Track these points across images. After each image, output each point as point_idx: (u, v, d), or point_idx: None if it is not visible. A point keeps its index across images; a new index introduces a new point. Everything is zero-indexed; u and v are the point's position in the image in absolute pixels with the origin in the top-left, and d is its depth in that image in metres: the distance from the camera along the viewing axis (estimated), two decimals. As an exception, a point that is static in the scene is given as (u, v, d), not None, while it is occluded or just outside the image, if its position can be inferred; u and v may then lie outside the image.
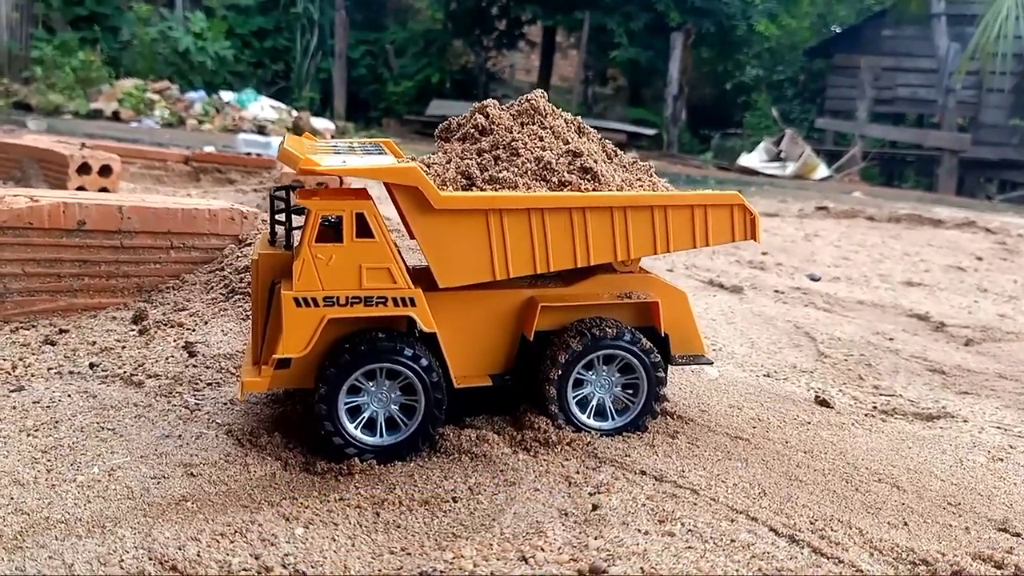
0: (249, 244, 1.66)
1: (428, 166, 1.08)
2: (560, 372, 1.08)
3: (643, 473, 1.03)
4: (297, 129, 9.79)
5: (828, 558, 0.86)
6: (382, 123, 13.39)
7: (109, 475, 0.98)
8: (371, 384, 1.06)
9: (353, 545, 0.86)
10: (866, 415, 1.39)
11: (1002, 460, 1.22)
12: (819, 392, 1.50)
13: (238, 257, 1.62)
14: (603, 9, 12.70)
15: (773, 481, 1.02)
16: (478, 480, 1.00)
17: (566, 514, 0.93)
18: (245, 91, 11.16)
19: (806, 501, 0.97)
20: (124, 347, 1.38)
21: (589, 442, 1.09)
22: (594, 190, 1.04)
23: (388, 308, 1.04)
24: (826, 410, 1.39)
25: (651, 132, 12.77)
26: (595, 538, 0.88)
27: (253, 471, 1.02)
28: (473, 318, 1.09)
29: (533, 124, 1.13)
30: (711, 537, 0.88)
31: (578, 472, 1.02)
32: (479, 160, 1.08)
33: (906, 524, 0.94)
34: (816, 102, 12.59)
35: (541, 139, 1.11)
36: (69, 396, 1.20)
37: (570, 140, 1.12)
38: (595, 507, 0.94)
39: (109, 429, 1.10)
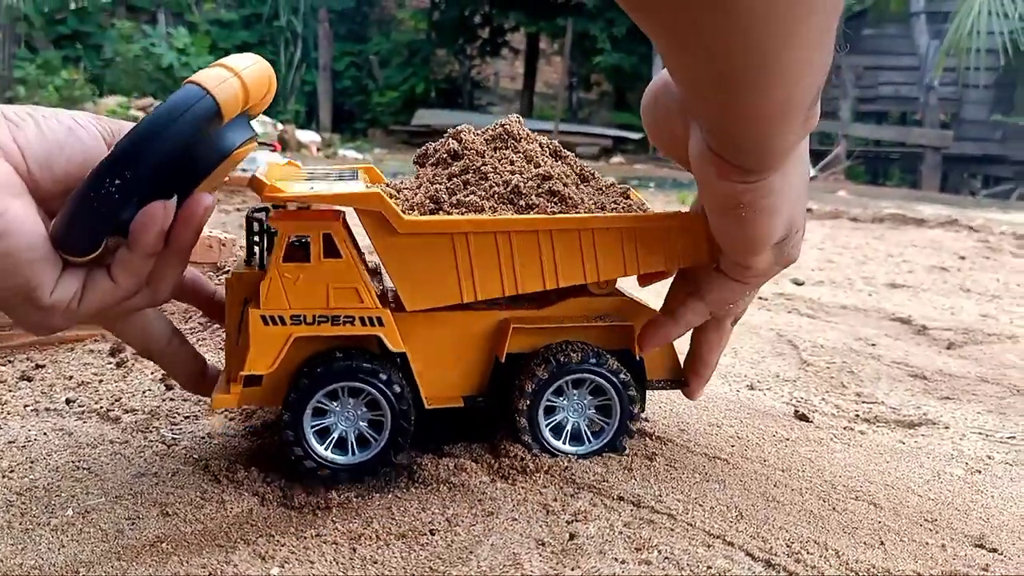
0: (227, 271, 1.66)
1: (398, 191, 1.07)
2: (529, 401, 1.08)
3: (621, 499, 1.03)
4: (283, 143, 9.78)
5: (804, 583, 0.86)
6: (368, 134, 13.41)
7: (83, 517, 0.97)
8: (335, 404, 1.07)
9: (329, 583, 0.86)
10: (845, 428, 1.40)
11: (980, 472, 1.22)
12: (799, 405, 1.51)
13: (217, 285, 1.62)
14: (586, 15, 12.75)
15: (750, 503, 1.02)
16: (456, 511, 1.00)
17: (543, 544, 0.92)
18: (230, 106, 11.15)
19: (783, 523, 0.97)
20: (101, 381, 1.37)
21: (567, 467, 1.09)
22: (561, 213, 1.02)
23: (355, 327, 1.03)
24: (805, 424, 1.39)
25: (637, 136, 12.82)
26: (572, 569, 0.87)
27: (230, 508, 1.01)
28: (446, 339, 1.08)
29: (506, 148, 1.12)
30: (687, 564, 0.88)
31: (556, 500, 1.02)
32: (448, 184, 1.07)
33: (882, 544, 0.94)
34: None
35: (512, 163, 1.10)
36: (45, 434, 1.19)
37: (542, 163, 1.10)
38: (572, 536, 0.94)
39: (84, 468, 1.09)
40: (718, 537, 0.93)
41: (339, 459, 1.06)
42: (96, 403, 1.30)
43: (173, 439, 1.19)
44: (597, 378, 1.09)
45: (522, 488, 1.05)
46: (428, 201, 1.05)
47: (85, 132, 0.76)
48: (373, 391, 1.05)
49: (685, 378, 1.12)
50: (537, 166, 1.10)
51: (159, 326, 1.05)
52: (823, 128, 11.56)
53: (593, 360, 1.08)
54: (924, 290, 3.03)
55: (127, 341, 1.06)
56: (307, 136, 10.28)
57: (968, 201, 8.78)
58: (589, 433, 1.13)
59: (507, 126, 1.15)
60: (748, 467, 1.14)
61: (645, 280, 1.14)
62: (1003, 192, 9.87)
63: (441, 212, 1.04)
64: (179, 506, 1.00)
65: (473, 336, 1.10)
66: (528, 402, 1.08)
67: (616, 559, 0.89)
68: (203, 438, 1.20)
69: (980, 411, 1.56)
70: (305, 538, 0.94)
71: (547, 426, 1.11)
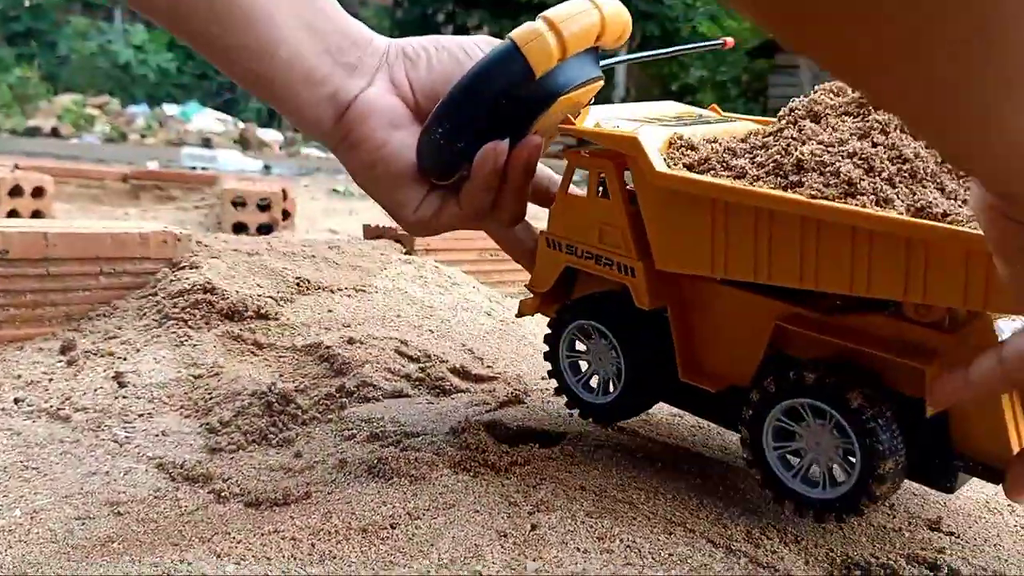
0: (183, 267, 1.63)
1: (707, 143, 0.92)
2: (751, 412, 0.87)
3: (583, 488, 1.02)
4: (243, 140, 9.62)
5: (764, 567, 0.86)
6: (331, 133, 13.30)
7: (31, 518, 0.94)
8: (590, 341, 1.09)
9: (286, 579, 0.84)
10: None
11: (936, 457, 1.24)
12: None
13: (171, 281, 1.59)
14: (548, 14, 12.79)
15: (711, 490, 1.03)
16: (416, 504, 0.98)
17: (505, 535, 0.92)
18: (189, 104, 10.98)
19: (743, 509, 0.98)
20: (51, 379, 1.34)
21: (529, 460, 1.09)
22: (839, 199, 0.77)
23: (612, 271, 1.00)
24: (767, 414, 1.40)
25: (600, 135, 12.89)
26: (534, 559, 0.87)
27: (184, 506, 0.99)
28: (713, 313, 0.96)
29: (857, 116, 0.87)
30: (649, 552, 0.88)
31: (518, 491, 1.02)
32: (743, 144, 0.90)
33: (841, 528, 0.95)
34: (759, 101, 12.82)
35: (834, 132, 0.85)
36: (-8, 435, 1.15)
37: (877, 139, 0.82)
38: (534, 527, 0.93)
39: (33, 468, 1.06)
40: (679, 525, 0.93)
41: (586, 397, 1.12)
42: (45, 402, 1.26)
43: (126, 438, 1.16)
44: (833, 411, 0.81)
45: (484, 480, 1.04)
46: (713, 158, 0.89)
47: (472, 62, 0.84)
48: (608, 333, 1.04)
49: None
50: (871, 142, 0.81)
51: (524, 236, 1.10)
52: (783, 126, 11.74)
53: (832, 387, 0.81)
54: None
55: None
56: (269, 135, 10.14)
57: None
58: (827, 478, 0.87)
59: None
60: (709, 455, 1.14)
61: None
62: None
63: (712, 173, 0.87)
64: (131, 505, 0.98)
65: (746, 322, 0.94)
66: (751, 412, 0.89)
67: (578, 549, 0.89)
68: (157, 436, 1.17)
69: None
70: (262, 534, 0.92)
71: (776, 449, 0.89)
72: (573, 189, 1.09)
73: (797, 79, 11.38)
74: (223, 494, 1.02)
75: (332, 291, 1.68)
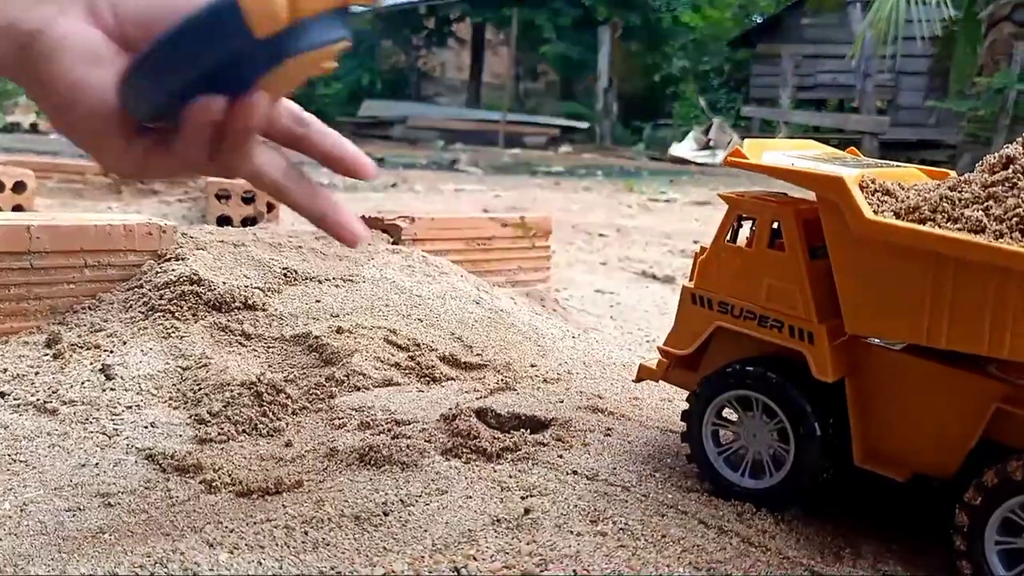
0: (168, 259, 1.61)
1: (897, 191, 0.83)
2: (981, 500, 0.75)
3: (575, 473, 1.03)
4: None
5: (756, 547, 0.87)
6: (313, 126, 13.20)
7: (21, 510, 0.94)
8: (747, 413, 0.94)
9: (281, 568, 0.84)
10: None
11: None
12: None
13: (157, 273, 1.57)
14: (531, 5, 12.75)
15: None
16: (409, 491, 0.98)
17: (498, 521, 0.92)
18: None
19: (735, 491, 0.98)
20: (37, 373, 1.32)
21: (520, 446, 1.09)
22: None
23: (781, 336, 0.86)
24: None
25: (584, 126, 12.89)
26: (527, 543, 0.87)
27: (175, 496, 0.98)
28: (907, 389, 0.81)
29: None
30: (642, 534, 0.88)
31: (511, 476, 1.02)
32: (966, 194, 0.78)
33: (833, 509, 0.96)
34: (741, 91, 12.88)
35: None
36: (-22, 428, 1.14)
37: None
38: (527, 511, 0.93)
39: (21, 461, 1.05)
40: (672, 507, 0.94)
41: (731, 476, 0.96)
42: (32, 395, 1.25)
43: (114, 429, 1.15)
44: None
45: (476, 466, 1.05)
46: (924, 206, 0.78)
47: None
48: (784, 420, 0.88)
49: None
50: None
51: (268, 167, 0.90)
52: (765, 116, 11.75)
53: None
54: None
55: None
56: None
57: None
58: None
59: None
60: (700, 439, 1.15)
61: None
62: (938, 176, 10.16)
63: (931, 223, 0.76)
64: (122, 496, 0.97)
65: (944, 398, 0.81)
66: (967, 516, 0.76)
67: (572, 532, 0.89)
68: (146, 427, 1.17)
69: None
70: (255, 523, 0.92)
71: (998, 551, 0.76)
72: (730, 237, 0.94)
73: (779, 68, 11.43)
74: (214, 484, 1.01)
75: (320, 281, 1.67)
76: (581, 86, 14.75)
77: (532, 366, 1.44)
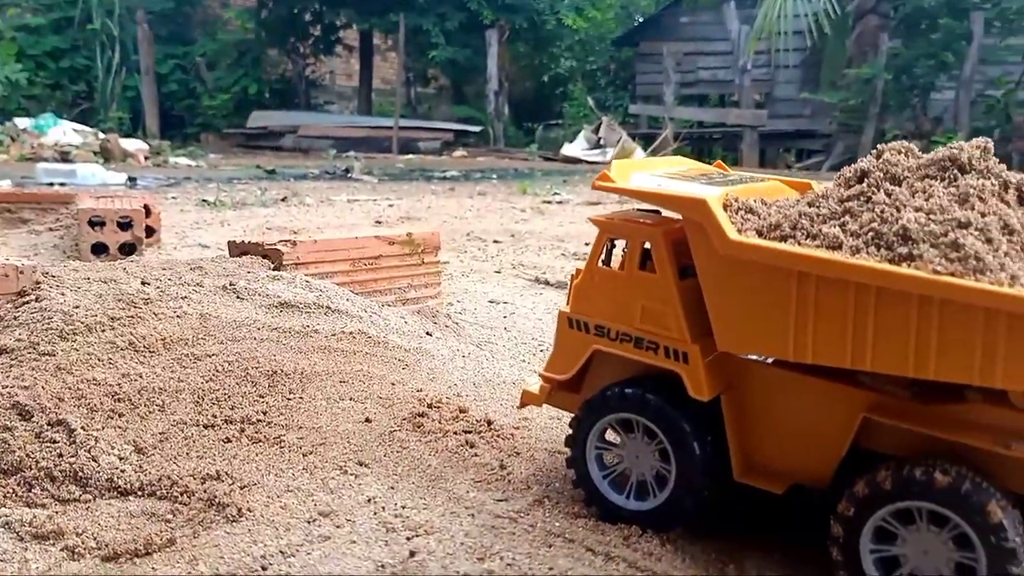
0: (28, 301, 1.51)
1: (760, 207, 0.84)
2: (853, 511, 0.76)
3: (463, 506, 1.00)
4: (106, 152, 9.11)
5: (642, 571, 0.87)
6: (200, 139, 12.76)
7: None
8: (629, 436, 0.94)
9: (149, 640, 0.79)
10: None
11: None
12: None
13: (15, 317, 1.47)
14: (417, 10, 12.68)
15: (590, 495, 1.02)
16: (289, 540, 0.94)
17: (383, 566, 0.89)
18: (43, 116, 10.26)
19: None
20: None
21: (396, 465, 1.06)
22: (957, 276, 0.69)
23: (657, 357, 0.86)
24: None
25: (477, 129, 12.92)
26: (413, 588, 0.84)
27: (32, 567, 0.91)
28: (781, 402, 0.82)
29: (941, 180, 0.80)
30: (530, 568, 0.87)
31: (396, 516, 0.99)
32: (823, 209, 0.79)
33: (718, 527, 0.97)
34: (628, 89, 13.15)
35: (930, 198, 0.77)
36: None
37: (988, 208, 0.76)
38: (413, 553, 0.91)
39: None
40: (559, 536, 0.93)
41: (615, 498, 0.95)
42: None
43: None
44: (961, 521, 0.73)
45: (360, 508, 1.01)
46: (785, 223, 0.79)
47: None
48: (664, 441, 0.88)
49: None
50: (978, 211, 0.74)
51: None
52: (651, 112, 12.03)
53: (964, 492, 0.71)
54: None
55: None
56: (133, 144, 9.60)
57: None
58: None
59: (960, 152, 0.81)
60: (588, 458, 1.15)
61: None
62: (814, 164, 10.62)
63: (791, 240, 0.77)
64: (-30, 574, 0.89)
65: (814, 408, 0.82)
66: (852, 510, 0.78)
67: (458, 572, 0.87)
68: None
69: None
70: (120, 592, 0.86)
71: (873, 554, 0.78)
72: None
73: (661, 66, 11.72)
74: (78, 549, 0.94)
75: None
76: (472, 89, 14.77)
77: (419, 390, 1.41)
